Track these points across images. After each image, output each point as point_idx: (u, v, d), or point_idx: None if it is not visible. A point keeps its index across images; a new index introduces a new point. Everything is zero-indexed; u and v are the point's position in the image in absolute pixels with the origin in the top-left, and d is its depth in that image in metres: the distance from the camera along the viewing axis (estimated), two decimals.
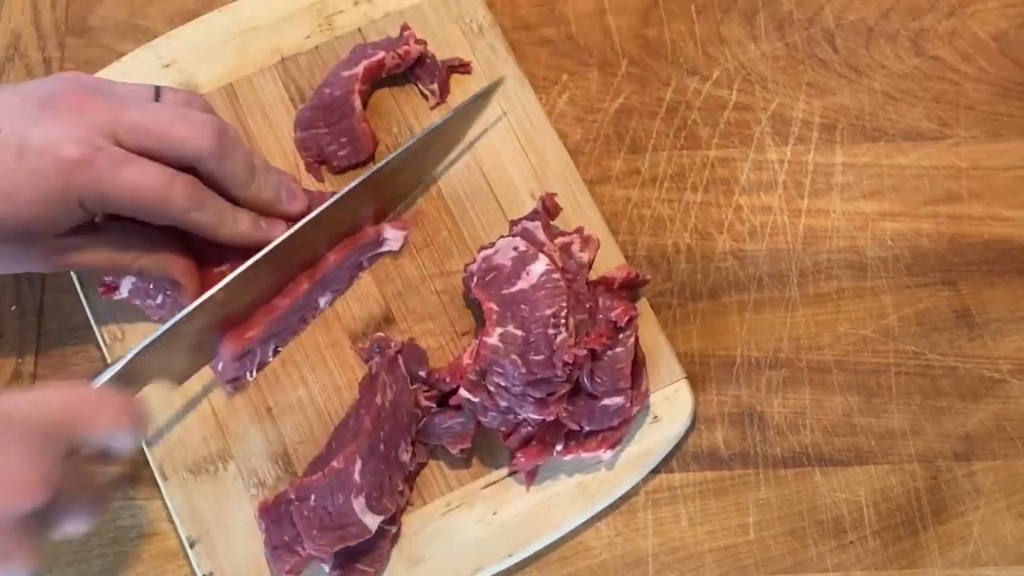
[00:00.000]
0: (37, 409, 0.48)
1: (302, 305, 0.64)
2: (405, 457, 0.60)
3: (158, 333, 0.57)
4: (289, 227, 0.61)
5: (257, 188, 0.60)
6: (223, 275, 0.60)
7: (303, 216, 0.61)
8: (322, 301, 0.65)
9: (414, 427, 0.60)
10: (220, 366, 0.62)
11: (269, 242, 0.60)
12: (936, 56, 0.73)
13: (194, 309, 0.58)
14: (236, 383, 0.63)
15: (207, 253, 0.63)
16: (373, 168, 0.63)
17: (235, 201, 0.60)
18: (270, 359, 0.64)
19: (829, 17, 0.74)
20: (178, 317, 0.58)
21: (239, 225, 0.60)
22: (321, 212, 0.61)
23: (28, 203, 0.53)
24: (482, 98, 0.67)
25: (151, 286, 0.63)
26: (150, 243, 0.60)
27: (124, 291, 0.63)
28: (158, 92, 0.59)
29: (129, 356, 0.56)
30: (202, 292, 0.60)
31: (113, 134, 0.54)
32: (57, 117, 0.54)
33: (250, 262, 0.59)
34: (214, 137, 0.57)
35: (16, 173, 0.52)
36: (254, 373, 0.64)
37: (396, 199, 0.67)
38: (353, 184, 0.62)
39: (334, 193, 0.63)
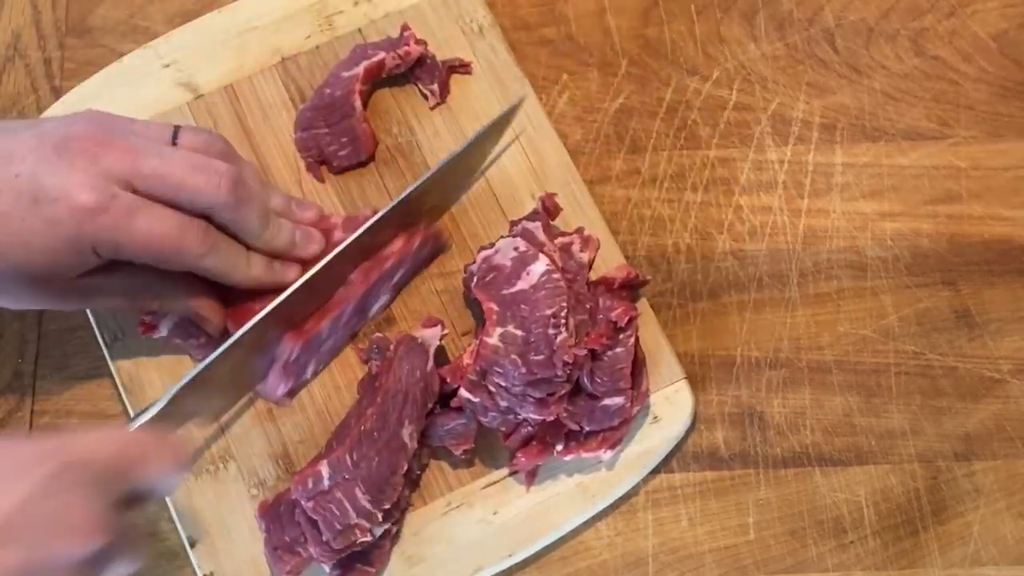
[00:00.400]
0: (91, 455, 0.48)
1: (357, 309, 0.64)
2: (408, 455, 0.59)
3: (194, 373, 0.57)
4: (306, 269, 0.61)
5: (270, 236, 0.60)
6: (252, 310, 0.60)
7: (319, 256, 0.62)
8: (374, 308, 0.65)
9: (422, 421, 0.60)
10: (268, 381, 0.63)
11: (284, 285, 0.60)
12: (936, 56, 0.73)
13: (228, 348, 0.58)
14: (285, 398, 0.64)
15: (234, 289, 0.62)
16: (399, 198, 0.62)
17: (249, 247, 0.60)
18: (309, 377, 0.64)
19: (829, 17, 0.74)
20: (212, 357, 0.58)
21: (252, 269, 0.60)
22: (346, 246, 0.61)
23: (43, 250, 0.53)
24: (503, 120, 0.66)
25: (193, 325, 0.63)
26: (170, 280, 0.60)
27: (164, 330, 0.63)
28: (176, 132, 0.58)
29: (167, 397, 0.56)
30: (226, 325, 0.61)
31: (128, 181, 0.54)
32: (72, 163, 0.53)
33: (277, 301, 0.59)
34: (230, 188, 0.56)
35: (32, 220, 0.52)
36: (293, 391, 0.64)
37: (424, 218, 0.66)
38: (378, 215, 0.62)
39: (352, 218, 0.64)
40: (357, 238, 0.61)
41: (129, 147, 0.55)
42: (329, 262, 0.61)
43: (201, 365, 0.57)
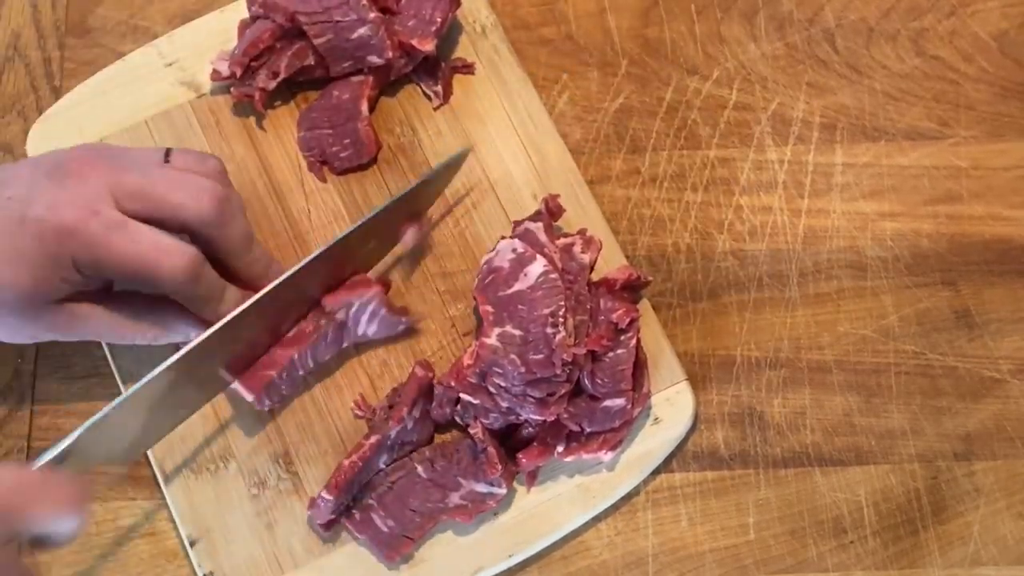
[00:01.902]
0: None
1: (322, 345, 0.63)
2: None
3: (102, 413, 0.54)
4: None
5: (252, 259, 0.60)
6: None
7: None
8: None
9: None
10: (252, 399, 0.62)
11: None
12: (936, 56, 0.73)
13: (139, 389, 0.56)
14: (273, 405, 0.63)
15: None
16: (341, 235, 0.60)
17: (225, 271, 0.59)
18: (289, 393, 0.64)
19: (829, 17, 0.74)
20: (120, 399, 0.55)
21: (225, 305, 0.59)
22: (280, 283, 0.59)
23: (29, 267, 0.53)
24: (451, 167, 0.66)
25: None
26: (162, 312, 0.60)
27: None
28: (168, 155, 0.59)
29: (71, 438, 0.53)
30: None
31: (115, 198, 0.55)
32: (60, 184, 0.54)
33: (194, 342, 0.57)
34: (212, 205, 0.56)
35: (18, 238, 0.53)
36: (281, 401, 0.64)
37: (373, 258, 0.65)
38: (317, 252, 0.60)
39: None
40: (293, 280, 0.59)
41: (116, 167, 0.56)
42: (265, 301, 0.59)
43: (113, 403, 0.55)
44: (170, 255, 0.55)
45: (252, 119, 0.69)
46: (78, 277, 0.55)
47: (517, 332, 0.59)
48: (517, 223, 0.63)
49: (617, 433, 0.60)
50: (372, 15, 0.65)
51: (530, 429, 0.60)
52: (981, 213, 0.69)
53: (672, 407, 0.63)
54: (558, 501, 0.62)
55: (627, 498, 0.63)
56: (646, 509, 0.63)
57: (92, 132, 0.68)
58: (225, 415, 0.63)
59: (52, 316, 0.56)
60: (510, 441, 0.61)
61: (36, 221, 0.53)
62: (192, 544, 0.61)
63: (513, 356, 0.58)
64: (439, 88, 0.69)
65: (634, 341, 0.60)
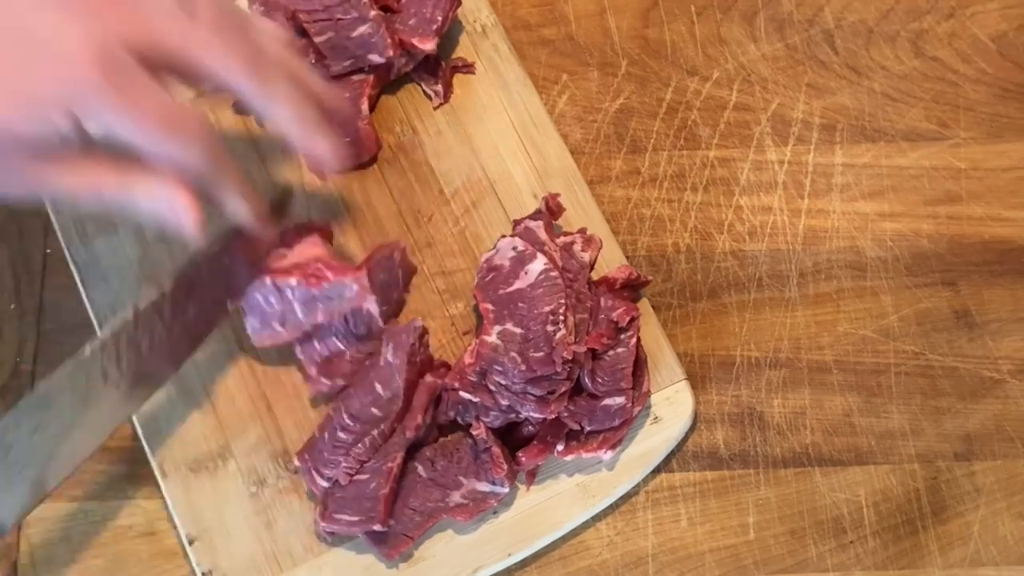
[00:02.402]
0: None
1: None
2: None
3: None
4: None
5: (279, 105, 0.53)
6: None
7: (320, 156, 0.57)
8: None
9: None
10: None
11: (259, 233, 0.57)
12: (936, 57, 0.73)
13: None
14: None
15: None
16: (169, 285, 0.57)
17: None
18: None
19: (829, 18, 0.74)
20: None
21: (242, 204, 0.54)
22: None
23: (6, 96, 0.45)
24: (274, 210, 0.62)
25: (271, 299, 0.60)
26: (148, 170, 0.50)
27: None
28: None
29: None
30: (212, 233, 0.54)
31: (135, 46, 0.46)
32: (71, 12, 0.45)
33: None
34: (250, 73, 0.50)
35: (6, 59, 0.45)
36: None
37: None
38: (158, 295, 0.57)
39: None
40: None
41: (139, 10, 0.48)
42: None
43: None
44: (183, 128, 0.48)
45: (252, 117, 0.69)
46: (63, 122, 0.47)
47: (517, 330, 0.59)
48: (517, 222, 0.63)
49: (617, 432, 0.60)
50: (373, 13, 0.65)
51: (530, 427, 0.60)
52: (981, 214, 0.69)
53: (672, 406, 0.63)
54: (558, 500, 0.62)
55: (627, 498, 0.63)
56: (646, 509, 0.63)
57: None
58: (223, 413, 0.63)
59: (23, 161, 0.48)
60: (510, 440, 0.61)
61: (35, 46, 0.45)
62: (191, 543, 0.61)
63: (513, 354, 0.58)
64: (439, 87, 0.69)
65: (634, 340, 0.60)
